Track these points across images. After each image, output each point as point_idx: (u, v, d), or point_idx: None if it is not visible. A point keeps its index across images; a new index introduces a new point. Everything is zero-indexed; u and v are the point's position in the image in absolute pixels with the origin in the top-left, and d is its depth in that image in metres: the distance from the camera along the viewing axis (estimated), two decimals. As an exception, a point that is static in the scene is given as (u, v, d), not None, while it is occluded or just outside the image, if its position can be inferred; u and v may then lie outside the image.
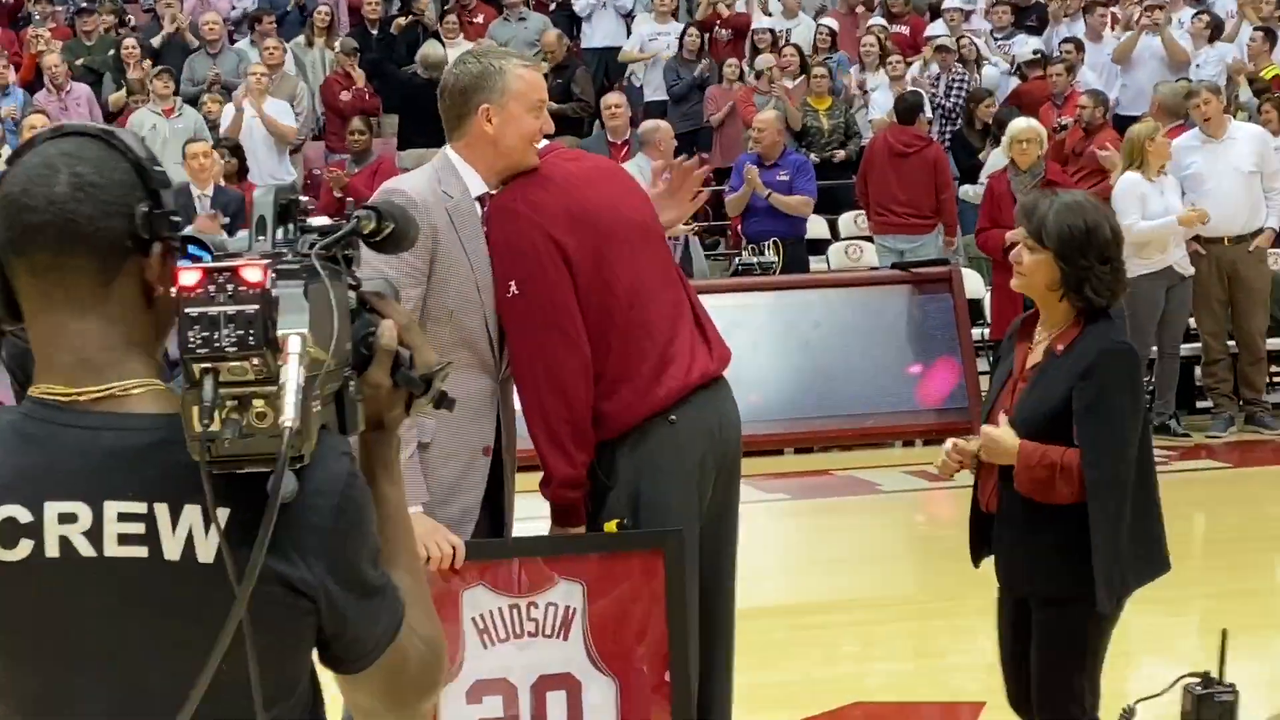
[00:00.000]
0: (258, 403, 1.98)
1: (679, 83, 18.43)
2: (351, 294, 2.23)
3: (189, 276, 2.00)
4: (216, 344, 1.97)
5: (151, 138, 15.85)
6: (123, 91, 16.87)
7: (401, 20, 18.84)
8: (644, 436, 4.84)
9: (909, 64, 18.15)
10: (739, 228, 14.56)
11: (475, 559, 4.71)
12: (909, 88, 17.38)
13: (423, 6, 19.07)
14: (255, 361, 1.97)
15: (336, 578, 2.13)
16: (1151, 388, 12.66)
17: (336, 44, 17.87)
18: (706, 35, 19.08)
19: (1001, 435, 4.70)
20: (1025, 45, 18.79)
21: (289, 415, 1.95)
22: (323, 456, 2.10)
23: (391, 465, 2.33)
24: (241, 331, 1.97)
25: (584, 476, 4.83)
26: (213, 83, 17.08)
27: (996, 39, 19.49)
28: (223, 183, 13.58)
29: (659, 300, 4.91)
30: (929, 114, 16.85)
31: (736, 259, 14.10)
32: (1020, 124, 12.69)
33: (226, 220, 13.03)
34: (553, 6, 20.46)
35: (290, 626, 2.13)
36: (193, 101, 16.61)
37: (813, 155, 16.81)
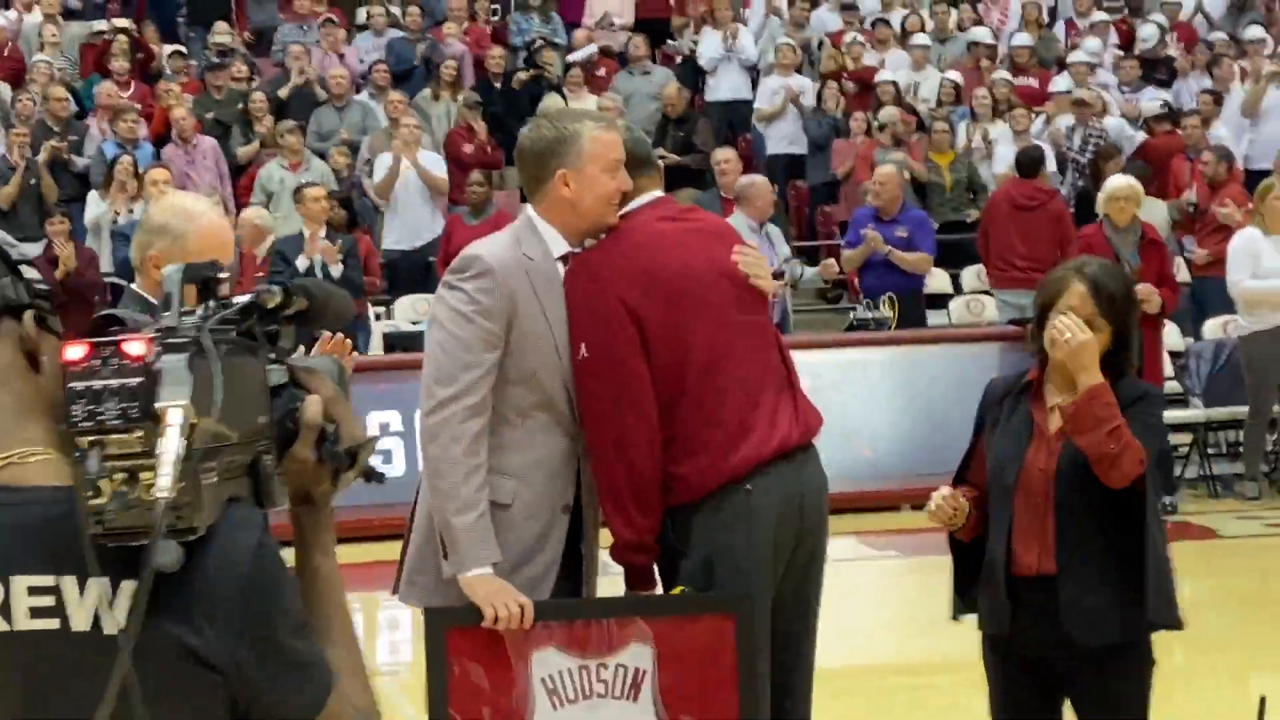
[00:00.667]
0: (145, 475, 2.00)
1: (817, 133, 18.44)
2: (280, 369, 2.27)
3: (74, 351, 2.05)
4: (100, 417, 2.02)
5: (279, 191, 16.09)
6: (252, 145, 17.11)
7: (524, 75, 18.98)
8: (718, 505, 4.79)
9: (1035, 116, 18.02)
10: (855, 281, 14.48)
11: (545, 619, 4.69)
12: (1034, 141, 17.26)
13: (548, 60, 19.22)
14: (138, 434, 2.01)
15: (250, 649, 2.13)
16: (1274, 448, 12.46)
17: (460, 97, 18.02)
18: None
19: (1093, 345, 4.71)
20: (1153, 99, 18.64)
21: (163, 486, 1.96)
22: (229, 528, 2.11)
23: (323, 538, 2.33)
24: (124, 404, 2.01)
25: (648, 541, 4.82)
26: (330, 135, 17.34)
27: (1123, 92, 19.33)
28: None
29: (742, 365, 4.86)
30: (1053, 167, 16.68)
31: (852, 313, 14.02)
32: (1118, 181, 12.54)
33: (342, 257, 13.29)
34: (678, 60, 20.53)
35: (198, 698, 2.13)
36: (320, 155, 16.82)
37: (934, 211, 16.78)
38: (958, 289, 16.59)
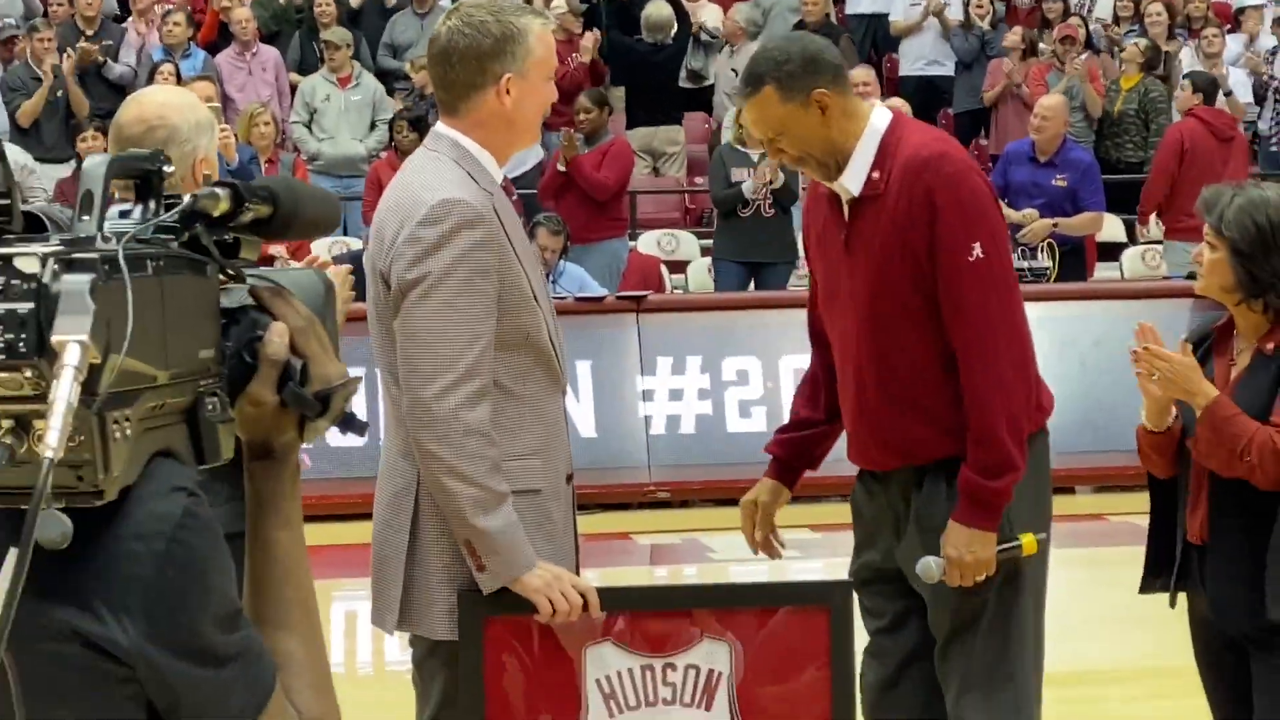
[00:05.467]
0: (39, 423, 1.84)
1: (963, 51, 18.26)
2: (241, 288, 2.09)
3: None
4: None
5: (323, 108, 16.03)
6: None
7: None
8: (1042, 444, 4.90)
9: (1228, 35, 17.81)
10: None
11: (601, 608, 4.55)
12: (1233, 66, 17.05)
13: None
14: (29, 373, 1.83)
15: (161, 641, 1.98)
16: None
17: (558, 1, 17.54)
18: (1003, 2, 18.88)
19: (1192, 368, 4.74)
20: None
21: (50, 442, 1.78)
22: (147, 492, 1.97)
23: (282, 503, 2.17)
24: (11, 335, 1.83)
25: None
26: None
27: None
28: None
29: None
30: (1246, 97, 16.42)
31: (1005, 262, 13.69)
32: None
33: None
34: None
35: (102, 696, 2.00)
36: (389, 73, 16.62)
37: (1112, 144, 16.58)
38: (1132, 238, 16.35)
